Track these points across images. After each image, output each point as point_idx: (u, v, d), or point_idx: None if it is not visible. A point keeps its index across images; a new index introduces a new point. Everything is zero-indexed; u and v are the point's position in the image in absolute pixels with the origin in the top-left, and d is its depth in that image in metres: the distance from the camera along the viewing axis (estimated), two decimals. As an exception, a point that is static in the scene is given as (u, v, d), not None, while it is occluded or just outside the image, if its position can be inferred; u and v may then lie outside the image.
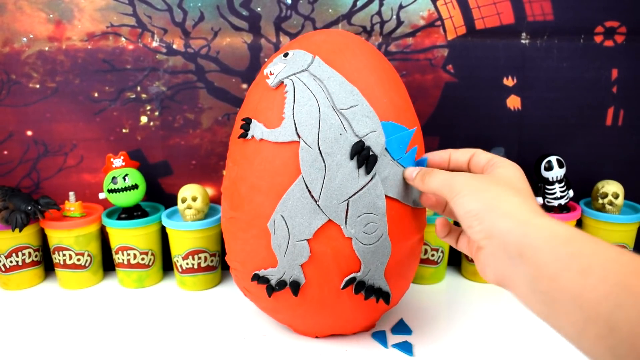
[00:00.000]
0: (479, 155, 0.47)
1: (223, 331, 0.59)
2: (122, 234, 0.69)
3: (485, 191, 0.40)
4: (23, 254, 0.70)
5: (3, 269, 0.69)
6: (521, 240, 0.35)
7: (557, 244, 0.33)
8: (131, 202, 0.69)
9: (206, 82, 0.70)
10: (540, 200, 0.70)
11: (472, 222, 0.39)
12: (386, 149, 0.48)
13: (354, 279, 0.50)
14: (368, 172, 0.47)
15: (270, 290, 0.51)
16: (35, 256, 0.71)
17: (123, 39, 0.68)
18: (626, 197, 0.71)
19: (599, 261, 0.30)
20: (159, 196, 0.74)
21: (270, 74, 0.50)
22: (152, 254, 0.71)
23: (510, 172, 0.43)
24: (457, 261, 0.75)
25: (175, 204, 0.70)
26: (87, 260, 0.70)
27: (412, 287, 0.68)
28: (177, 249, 0.68)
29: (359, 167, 0.47)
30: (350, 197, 0.47)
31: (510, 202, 0.38)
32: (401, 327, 0.59)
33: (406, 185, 0.50)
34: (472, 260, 0.71)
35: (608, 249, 0.31)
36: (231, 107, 0.71)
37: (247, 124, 0.51)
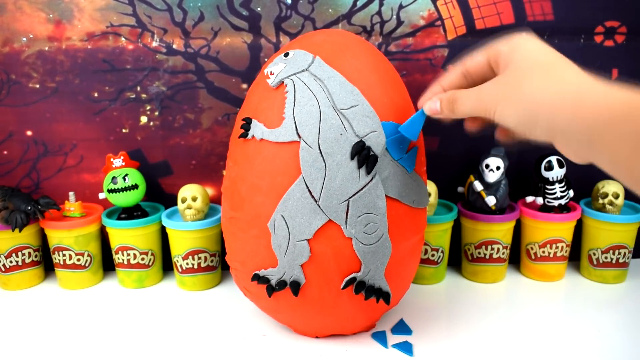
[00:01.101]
0: (472, 63, 0.43)
1: (223, 331, 0.59)
2: (122, 234, 0.69)
3: (520, 93, 0.36)
4: (23, 254, 0.70)
5: (3, 269, 0.69)
6: (583, 129, 0.33)
7: (618, 124, 0.31)
8: (131, 202, 0.69)
9: (206, 82, 0.70)
10: (540, 200, 0.70)
11: (529, 129, 0.36)
12: (386, 149, 0.48)
13: (354, 279, 0.50)
14: (368, 172, 0.47)
15: (270, 290, 0.51)
16: (35, 256, 0.71)
17: (123, 39, 0.68)
18: (626, 197, 0.71)
19: None
20: (159, 196, 0.74)
21: (271, 73, 0.50)
22: (152, 254, 0.70)
23: (527, 48, 0.38)
24: (457, 261, 0.75)
25: (175, 204, 0.70)
26: (87, 260, 0.70)
27: (412, 287, 0.68)
28: (177, 249, 0.68)
29: (359, 167, 0.47)
30: (350, 197, 0.47)
31: (552, 91, 0.35)
32: (401, 327, 0.59)
33: (407, 185, 0.50)
34: (471, 260, 0.71)
35: None
36: (231, 107, 0.71)
37: (247, 123, 0.51)
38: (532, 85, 0.36)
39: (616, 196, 0.69)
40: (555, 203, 0.70)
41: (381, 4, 0.68)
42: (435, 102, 0.43)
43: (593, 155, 0.34)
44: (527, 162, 0.72)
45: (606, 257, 0.71)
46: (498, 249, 0.70)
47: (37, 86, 0.70)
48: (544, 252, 0.71)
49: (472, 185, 0.69)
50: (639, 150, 0.30)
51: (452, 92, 0.42)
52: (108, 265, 0.74)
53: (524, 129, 0.37)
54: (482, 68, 0.42)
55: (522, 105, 0.36)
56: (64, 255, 0.69)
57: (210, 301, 0.67)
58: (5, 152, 0.72)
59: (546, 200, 0.70)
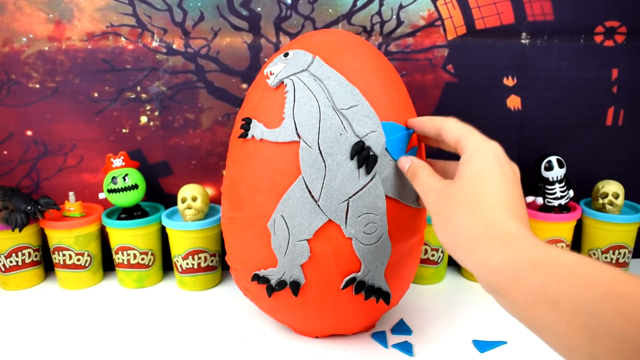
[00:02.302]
0: (447, 133, 0.43)
1: (223, 331, 0.59)
2: (122, 234, 0.69)
3: (448, 220, 0.38)
4: (23, 254, 0.70)
5: (3, 269, 0.69)
6: (488, 280, 0.35)
7: (521, 278, 0.32)
8: (131, 202, 0.69)
9: (206, 82, 0.70)
10: (540, 200, 0.70)
11: (450, 252, 0.39)
12: (386, 149, 0.48)
13: (354, 279, 0.50)
14: (368, 172, 0.47)
15: (270, 290, 0.51)
16: (35, 256, 0.71)
17: (123, 39, 0.68)
18: (626, 197, 0.71)
19: (566, 290, 0.29)
20: (159, 196, 0.74)
21: (271, 73, 0.50)
22: (152, 254, 0.70)
23: (479, 169, 0.39)
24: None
25: (175, 204, 0.70)
26: (87, 260, 0.70)
27: (412, 287, 0.68)
28: (177, 249, 0.68)
29: (359, 167, 0.47)
30: (350, 197, 0.47)
31: (471, 234, 0.36)
32: (401, 327, 0.59)
33: (406, 185, 0.50)
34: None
35: (572, 272, 0.30)
36: (231, 107, 0.71)
37: (247, 123, 0.50)
38: (460, 220, 0.38)
39: (616, 196, 0.69)
40: (555, 203, 0.70)
41: (381, 4, 0.68)
42: (406, 163, 0.47)
43: (500, 303, 0.35)
44: (527, 162, 0.72)
45: (606, 257, 0.71)
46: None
47: (37, 86, 0.70)
48: (544, 252, 0.71)
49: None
50: (537, 303, 0.31)
51: (418, 166, 0.45)
52: (108, 265, 0.74)
53: (447, 248, 0.39)
54: (451, 142, 0.43)
55: (446, 233, 0.39)
56: (64, 255, 0.69)
57: (210, 301, 0.67)
58: (5, 152, 0.72)
59: (546, 200, 0.70)
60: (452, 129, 0.43)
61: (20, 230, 0.66)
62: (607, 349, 0.27)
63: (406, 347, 0.55)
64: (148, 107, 0.71)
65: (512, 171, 0.40)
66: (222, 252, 0.67)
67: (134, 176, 0.68)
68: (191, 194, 0.67)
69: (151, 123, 0.71)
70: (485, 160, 0.39)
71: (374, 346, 0.56)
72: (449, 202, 0.39)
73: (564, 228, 0.70)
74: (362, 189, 0.47)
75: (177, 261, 0.69)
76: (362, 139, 0.47)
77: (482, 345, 0.55)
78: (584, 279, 0.29)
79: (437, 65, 0.70)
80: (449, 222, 0.38)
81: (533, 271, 0.32)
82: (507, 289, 0.33)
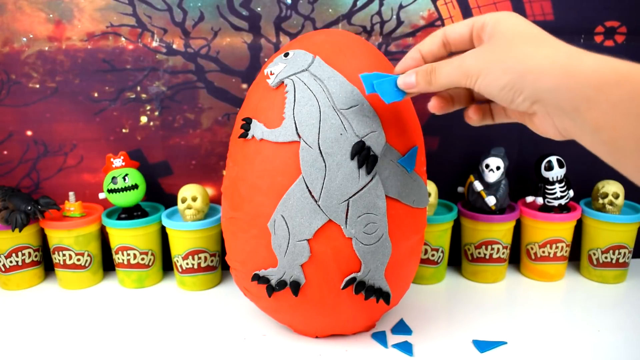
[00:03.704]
0: (453, 30, 0.41)
1: (223, 331, 0.59)
2: (122, 234, 0.69)
3: (507, 57, 0.35)
4: (23, 254, 0.70)
5: (3, 269, 0.69)
6: (571, 94, 0.32)
7: (609, 90, 0.30)
8: (131, 202, 0.69)
9: (206, 82, 0.70)
10: (540, 200, 0.70)
11: (512, 96, 0.35)
12: (375, 91, 0.44)
13: (354, 279, 0.50)
14: (368, 172, 0.47)
15: (270, 290, 0.51)
16: (35, 256, 0.71)
17: (123, 39, 0.68)
18: (626, 197, 0.71)
19: None
20: (159, 196, 0.74)
21: (271, 73, 0.50)
22: (152, 254, 0.70)
23: (514, 22, 0.37)
24: (457, 261, 0.75)
25: (175, 204, 0.70)
26: (87, 260, 0.70)
27: (412, 287, 0.68)
28: (177, 249, 0.68)
29: (359, 167, 0.47)
30: (350, 197, 0.47)
31: (542, 55, 0.34)
32: (401, 327, 0.59)
33: (407, 185, 0.50)
34: (471, 260, 0.71)
35: None
36: (231, 107, 0.71)
37: (247, 123, 0.51)
38: (520, 51, 0.35)
39: (616, 196, 0.69)
40: (555, 203, 0.70)
41: (381, 4, 0.68)
42: (410, 76, 0.41)
43: (574, 126, 0.33)
44: (527, 162, 0.72)
45: (606, 257, 0.71)
46: (498, 249, 0.70)
47: (37, 86, 0.70)
48: (544, 252, 0.71)
49: (472, 185, 0.69)
50: (626, 116, 0.29)
51: (428, 64, 0.41)
52: (108, 265, 0.74)
53: (506, 95, 0.36)
54: (463, 39, 0.41)
55: (508, 70, 0.35)
56: (64, 255, 0.69)
57: (210, 301, 0.67)
58: (5, 152, 0.72)
59: (546, 200, 0.70)
60: (457, 24, 0.40)
61: (20, 230, 0.66)
62: None
63: (406, 347, 0.55)
64: (148, 107, 0.71)
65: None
66: (222, 252, 0.67)
67: (134, 176, 0.68)
68: (191, 194, 0.67)
69: (151, 123, 0.71)
70: (515, 16, 0.38)
71: (374, 346, 0.56)
72: (501, 46, 0.36)
73: (564, 228, 0.70)
74: (362, 189, 0.47)
75: (177, 261, 0.69)
76: (363, 139, 0.47)
77: (482, 345, 0.55)
78: None
79: (437, 65, 0.70)
80: (509, 59, 0.35)
81: (622, 81, 0.30)
82: (593, 101, 0.31)
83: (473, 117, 0.44)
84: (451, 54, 0.42)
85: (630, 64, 0.31)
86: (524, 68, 0.34)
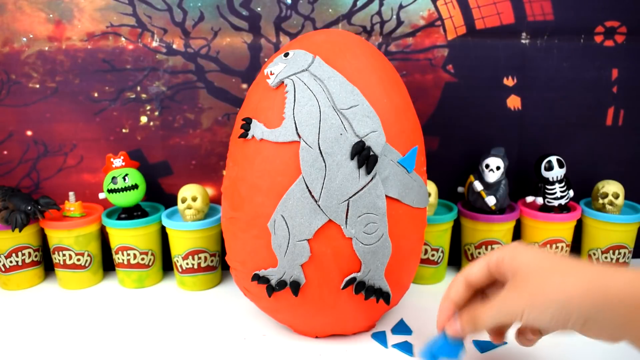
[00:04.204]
0: (473, 275, 0.45)
1: (223, 331, 0.59)
2: (122, 234, 0.69)
3: (546, 293, 0.39)
4: (23, 254, 0.70)
5: (3, 269, 0.69)
6: (615, 313, 0.36)
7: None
8: (131, 202, 0.69)
9: (206, 82, 0.70)
10: (540, 200, 0.70)
11: (563, 324, 0.39)
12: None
13: (354, 279, 0.50)
14: (368, 172, 0.47)
15: (270, 290, 0.51)
16: (35, 256, 0.71)
17: (123, 39, 0.68)
18: (626, 197, 0.71)
19: None
20: (159, 196, 0.74)
21: (271, 73, 0.50)
22: (152, 254, 0.70)
23: (526, 256, 0.42)
24: (457, 261, 0.75)
25: (175, 204, 0.70)
26: (87, 260, 0.70)
27: (412, 287, 0.67)
28: (177, 249, 0.68)
29: (359, 167, 0.47)
30: (350, 197, 0.47)
31: (576, 284, 0.38)
32: (401, 327, 0.59)
33: (406, 185, 0.50)
34: (472, 260, 0.71)
35: None
36: (231, 107, 0.71)
37: (247, 123, 0.51)
38: (556, 285, 0.39)
39: (616, 196, 0.69)
40: (555, 203, 0.70)
41: (381, 4, 0.68)
42: (455, 326, 0.46)
43: (627, 335, 0.37)
44: (527, 162, 0.72)
45: (606, 257, 0.71)
46: (498, 249, 0.70)
47: (37, 86, 0.70)
48: (544, 252, 0.71)
49: (472, 185, 0.69)
50: None
51: (470, 313, 0.44)
52: (108, 265, 0.74)
53: (556, 325, 0.39)
54: (483, 277, 0.45)
55: (551, 305, 0.38)
56: (64, 255, 0.69)
57: (210, 301, 0.67)
58: (5, 152, 0.72)
59: (546, 200, 0.70)
60: (476, 267, 0.45)
61: (20, 230, 0.66)
62: None
63: (406, 347, 0.55)
64: (148, 107, 0.71)
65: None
66: (222, 252, 0.67)
67: (134, 176, 0.68)
68: (191, 194, 0.67)
69: (151, 123, 0.71)
70: (524, 247, 0.43)
71: (374, 346, 0.56)
72: (530, 280, 0.40)
73: (564, 228, 0.70)
74: (362, 189, 0.47)
75: (177, 261, 0.69)
76: (362, 139, 0.47)
77: (482, 345, 0.55)
78: None
79: (437, 65, 0.70)
80: (545, 293, 0.39)
81: None
82: (633, 319, 0.35)
83: (496, 341, 0.49)
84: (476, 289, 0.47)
85: None
86: (566, 300, 0.38)
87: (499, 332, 0.48)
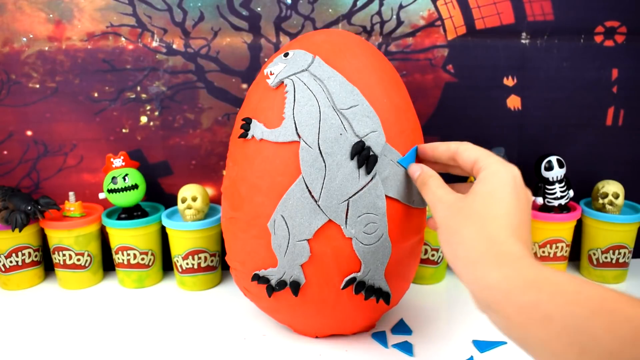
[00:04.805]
0: (463, 155, 0.44)
1: (223, 331, 0.59)
2: (122, 234, 0.69)
3: (454, 233, 0.39)
4: (23, 254, 0.70)
5: (3, 269, 0.69)
6: (483, 295, 0.35)
7: (516, 294, 0.33)
8: (131, 202, 0.69)
9: (206, 82, 0.70)
10: (540, 200, 0.70)
11: (449, 263, 0.40)
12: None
13: (354, 279, 0.50)
14: (368, 172, 0.47)
15: (270, 290, 0.51)
16: (35, 256, 0.71)
17: (123, 39, 0.68)
18: (626, 197, 0.71)
19: (557, 307, 0.30)
20: (159, 196, 0.74)
21: (271, 74, 0.50)
22: (152, 254, 0.70)
23: (493, 189, 0.40)
24: (457, 261, 0.75)
25: (175, 204, 0.70)
26: (87, 260, 0.70)
27: (412, 287, 0.68)
28: (177, 249, 0.68)
29: (359, 167, 0.47)
30: (350, 197, 0.47)
31: (475, 251, 0.37)
32: (401, 327, 0.59)
33: (406, 185, 0.50)
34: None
35: (564, 290, 0.31)
36: (231, 107, 0.71)
37: (247, 123, 0.51)
38: (465, 235, 0.38)
39: (616, 196, 0.69)
40: (555, 203, 0.70)
41: (381, 4, 0.68)
42: (415, 171, 0.47)
43: (492, 319, 0.36)
44: (527, 162, 0.72)
45: (606, 257, 0.71)
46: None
47: (37, 86, 0.70)
48: (544, 252, 0.71)
49: (472, 185, 0.69)
50: (530, 319, 0.32)
51: (428, 175, 0.46)
52: (108, 265, 0.74)
53: (447, 259, 0.40)
54: (467, 165, 0.44)
55: (450, 246, 0.40)
56: (64, 255, 0.69)
57: (210, 301, 0.67)
58: (5, 152, 0.72)
59: (546, 200, 0.70)
60: (468, 151, 0.44)
61: (20, 230, 0.66)
62: None
63: (406, 347, 0.55)
64: (148, 107, 0.71)
65: (525, 196, 0.40)
66: (222, 252, 0.67)
67: (134, 176, 0.68)
68: (191, 194, 0.67)
69: (151, 123, 0.71)
70: (501, 181, 0.40)
71: (374, 346, 0.56)
72: (458, 216, 0.40)
73: (564, 228, 0.70)
74: (362, 189, 0.47)
75: (177, 261, 0.69)
76: (362, 139, 0.47)
77: (482, 345, 0.55)
78: (575, 296, 0.30)
79: (437, 65, 0.70)
80: (454, 235, 0.39)
81: (527, 288, 0.33)
82: (501, 305, 0.34)
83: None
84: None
85: (540, 272, 0.33)
86: (457, 254, 0.39)
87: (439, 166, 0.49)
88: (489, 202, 0.39)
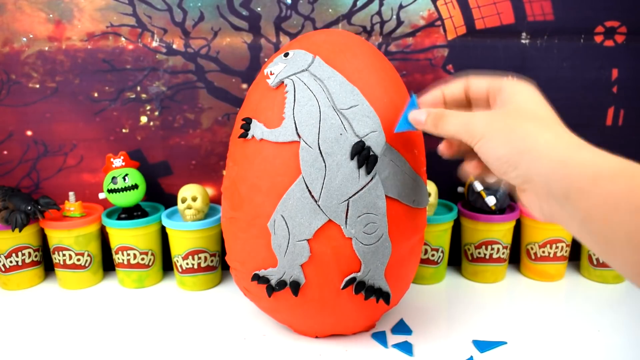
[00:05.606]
0: (475, 83, 0.42)
1: (223, 331, 0.59)
2: (122, 234, 0.69)
3: (511, 131, 0.36)
4: (23, 254, 0.70)
5: (3, 269, 0.69)
6: (564, 182, 0.32)
7: (603, 183, 0.31)
8: (131, 202, 0.69)
9: (206, 82, 0.70)
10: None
11: (506, 169, 0.36)
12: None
13: (354, 279, 0.50)
14: (368, 172, 0.47)
15: (270, 290, 0.51)
16: (35, 256, 0.71)
17: (123, 39, 0.68)
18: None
19: None
20: (159, 196, 0.74)
21: (271, 73, 0.50)
22: (152, 254, 0.70)
23: (528, 97, 0.38)
24: (457, 261, 0.75)
25: (175, 204, 0.70)
26: (87, 260, 0.70)
27: (412, 287, 0.68)
28: (177, 249, 0.68)
29: (359, 167, 0.47)
30: (350, 197, 0.47)
31: (543, 139, 0.35)
32: (401, 327, 0.59)
33: (406, 185, 0.50)
34: (471, 260, 0.71)
35: None
36: (231, 107, 0.71)
37: (247, 123, 0.51)
38: (525, 129, 0.36)
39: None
40: (555, 203, 0.70)
41: (381, 4, 0.68)
42: (421, 114, 0.43)
43: (561, 212, 0.34)
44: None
45: (606, 257, 0.70)
46: (498, 249, 0.70)
47: (37, 86, 0.70)
48: (544, 252, 0.71)
49: (472, 185, 0.69)
50: (617, 210, 0.30)
51: (441, 110, 0.42)
52: (108, 265, 0.74)
53: (501, 167, 0.37)
54: (480, 93, 0.42)
55: (508, 144, 0.36)
56: (64, 255, 0.69)
57: (210, 301, 0.67)
58: (5, 152, 0.72)
59: (546, 200, 0.70)
60: (480, 79, 0.42)
61: (20, 230, 0.66)
62: None
63: (406, 347, 0.55)
64: (148, 107, 0.71)
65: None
66: (222, 252, 0.67)
67: (134, 176, 0.68)
68: (191, 194, 0.67)
69: (151, 123, 0.71)
70: (531, 91, 0.39)
71: (374, 346, 0.56)
72: (508, 117, 0.37)
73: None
74: (362, 189, 0.47)
75: (177, 261, 0.69)
76: (362, 139, 0.47)
77: (482, 345, 0.55)
78: None
79: (437, 65, 0.70)
80: (512, 132, 0.36)
81: (616, 176, 0.31)
82: (586, 192, 0.31)
83: (445, 153, 0.45)
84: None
85: (625, 162, 0.32)
86: (524, 146, 0.35)
87: (452, 146, 0.45)
88: (533, 105, 0.38)
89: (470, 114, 0.40)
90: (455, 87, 0.44)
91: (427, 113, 0.42)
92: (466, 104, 0.44)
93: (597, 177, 0.31)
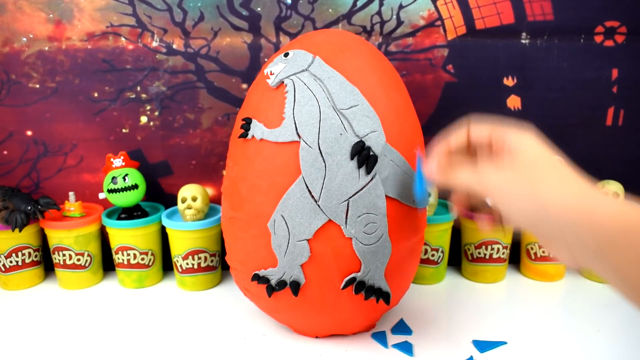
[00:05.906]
0: (477, 132, 0.43)
1: (223, 331, 0.59)
2: (122, 234, 0.69)
3: (534, 191, 0.36)
4: (23, 254, 0.70)
5: (3, 269, 0.69)
6: (595, 235, 0.33)
7: (630, 234, 0.31)
8: (131, 202, 0.69)
9: (206, 82, 0.70)
10: None
11: (536, 226, 0.37)
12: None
13: (354, 279, 0.50)
14: (368, 172, 0.47)
15: (270, 290, 0.51)
16: (35, 256, 0.71)
17: (123, 39, 0.68)
18: (626, 197, 0.71)
19: None
20: (159, 196, 0.74)
21: (271, 73, 0.50)
22: (152, 254, 0.70)
23: (533, 150, 0.38)
24: (457, 261, 0.75)
25: (175, 204, 0.70)
26: (87, 260, 0.70)
27: (412, 287, 0.68)
28: (177, 249, 0.68)
29: (359, 167, 0.47)
30: (350, 197, 0.47)
31: (568, 193, 0.35)
32: (401, 327, 0.59)
33: (407, 185, 0.50)
34: (471, 260, 0.71)
35: None
36: (231, 107, 0.71)
37: (247, 123, 0.51)
38: (548, 186, 0.36)
39: (616, 196, 0.69)
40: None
41: (381, 4, 0.68)
42: (432, 164, 0.44)
43: (595, 263, 0.34)
44: (527, 162, 0.71)
45: (606, 257, 0.70)
46: (498, 249, 0.70)
47: (37, 86, 0.70)
48: (544, 252, 0.71)
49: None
50: None
51: (451, 163, 0.43)
52: (108, 265, 0.74)
53: (530, 225, 0.37)
54: (482, 142, 0.43)
55: (535, 204, 0.36)
56: (64, 255, 0.69)
57: (210, 301, 0.67)
58: (5, 152, 0.72)
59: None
60: (481, 127, 0.43)
61: (20, 230, 0.66)
62: None
63: (406, 347, 0.55)
64: (148, 107, 0.71)
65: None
66: (222, 252, 0.67)
67: (134, 176, 0.68)
68: (191, 194, 0.67)
69: (151, 123, 0.71)
70: (534, 140, 0.39)
71: (374, 346, 0.56)
72: (524, 174, 0.37)
73: (564, 228, 0.70)
74: (362, 189, 0.47)
75: (177, 261, 0.69)
76: (362, 139, 0.47)
77: (482, 345, 0.55)
78: None
79: (437, 65, 0.70)
80: (535, 183, 0.36)
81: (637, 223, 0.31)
82: (618, 247, 0.32)
83: (485, 228, 0.46)
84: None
85: None
86: (552, 203, 0.35)
87: (466, 201, 0.45)
88: (546, 160, 0.38)
89: (483, 171, 0.40)
90: (460, 138, 0.44)
91: (437, 164, 0.43)
92: (471, 151, 0.45)
93: (625, 230, 0.32)
